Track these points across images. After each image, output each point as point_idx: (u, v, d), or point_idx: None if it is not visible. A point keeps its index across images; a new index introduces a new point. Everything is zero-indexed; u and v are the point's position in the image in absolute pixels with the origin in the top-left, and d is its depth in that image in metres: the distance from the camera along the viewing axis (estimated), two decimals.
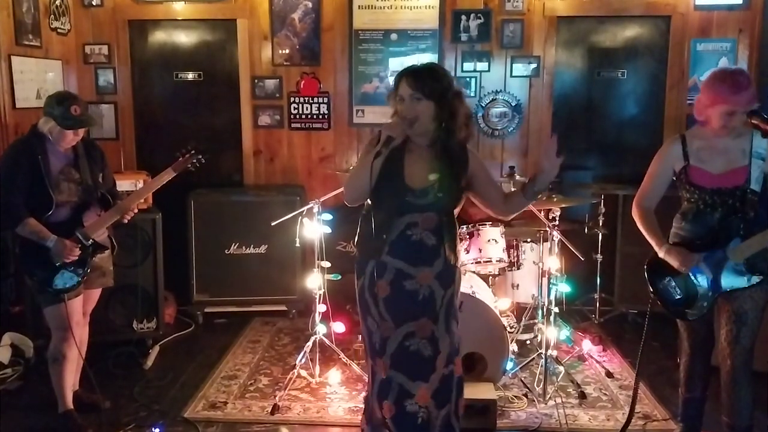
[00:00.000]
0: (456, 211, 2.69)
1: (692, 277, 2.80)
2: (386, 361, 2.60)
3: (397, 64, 5.18)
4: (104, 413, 3.45)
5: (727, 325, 2.79)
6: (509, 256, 4.13)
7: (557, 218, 3.85)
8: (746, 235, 2.69)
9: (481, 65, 5.20)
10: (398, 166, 2.55)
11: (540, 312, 3.93)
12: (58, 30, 4.98)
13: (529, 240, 4.29)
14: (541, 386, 3.70)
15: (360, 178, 2.51)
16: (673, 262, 2.80)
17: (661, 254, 2.84)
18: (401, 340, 2.58)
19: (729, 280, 2.74)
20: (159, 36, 5.41)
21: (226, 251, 4.90)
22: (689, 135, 2.86)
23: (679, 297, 2.85)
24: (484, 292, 3.87)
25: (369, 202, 2.62)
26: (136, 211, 3.41)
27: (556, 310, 3.96)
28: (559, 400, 3.62)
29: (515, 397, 3.68)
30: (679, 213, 2.92)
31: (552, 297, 3.88)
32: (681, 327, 3.00)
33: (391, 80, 5.16)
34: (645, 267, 2.94)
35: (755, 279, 2.71)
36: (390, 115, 2.63)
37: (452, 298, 2.65)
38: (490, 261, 3.97)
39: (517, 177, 3.98)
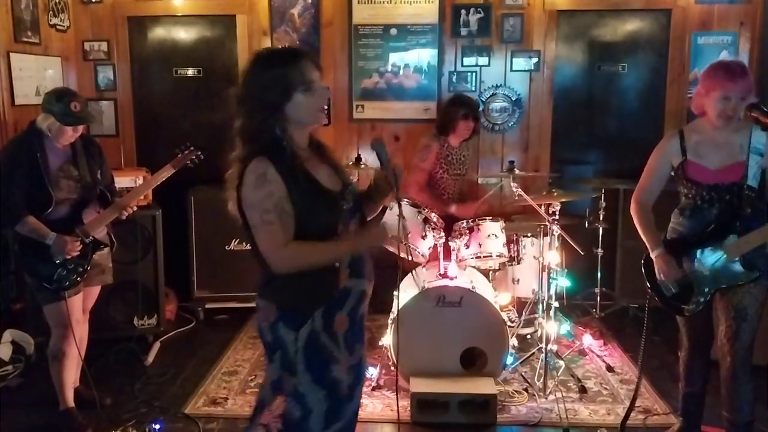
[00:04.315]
0: None
1: (689, 274, 2.79)
2: (350, 408, 2.21)
3: (397, 59, 5.18)
4: (105, 410, 3.46)
5: (726, 321, 2.78)
6: (509, 251, 4.12)
7: (557, 213, 3.84)
8: (743, 232, 2.68)
9: (482, 60, 5.19)
10: (309, 176, 2.07)
11: (540, 306, 3.93)
12: (57, 27, 4.97)
13: (529, 235, 4.28)
14: (541, 381, 3.70)
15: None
16: (657, 270, 2.84)
17: (652, 256, 2.87)
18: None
19: (726, 277, 2.74)
20: (158, 32, 5.39)
21: (226, 247, 4.90)
22: (687, 130, 2.86)
23: (675, 293, 2.85)
24: (484, 287, 3.87)
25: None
26: (135, 207, 3.42)
27: (557, 304, 3.97)
28: (559, 394, 3.62)
29: (516, 391, 3.68)
30: (677, 208, 2.92)
31: (552, 291, 3.90)
32: (680, 322, 3.00)
33: (392, 75, 5.19)
34: (642, 262, 2.96)
35: (753, 275, 2.70)
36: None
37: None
38: (490, 256, 3.97)
39: (517, 171, 3.97)
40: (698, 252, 2.78)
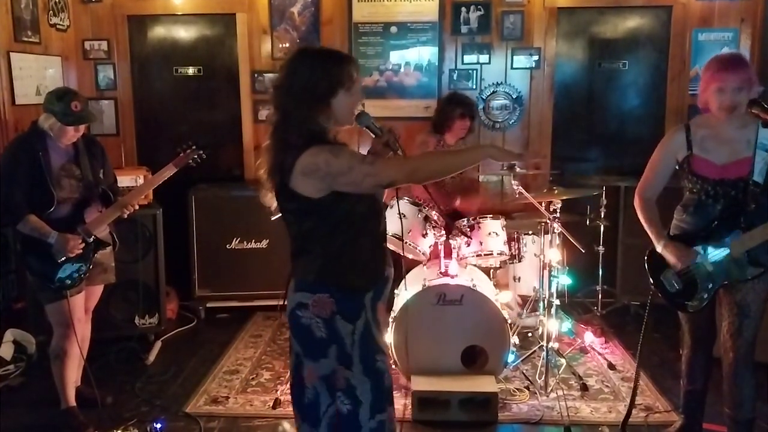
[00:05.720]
0: None
1: (692, 270, 2.79)
2: (390, 402, 2.24)
3: (398, 57, 5.18)
4: (106, 409, 3.46)
5: (729, 317, 2.78)
6: (510, 249, 4.11)
7: (558, 210, 3.84)
8: (747, 228, 2.67)
9: (482, 57, 5.18)
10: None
11: (541, 304, 3.93)
12: (57, 26, 4.97)
13: (530, 232, 4.28)
14: (542, 378, 3.69)
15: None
16: (670, 258, 2.81)
17: (659, 249, 2.85)
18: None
19: (729, 273, 2.73)
20: (158, 31, 5.39)
21: (227, 246, 4.90)
22: (694, 124, 2.84)
23: (679, 289, 2.84)
24: (485, 285, 3.86)
25: (336, 215, 2.10)
26: (136, 207, 3.41)
27: (558, 302, 3.96)
28: (560, 392, 3.62)
29: (517, 389, 3.68)
30: (681, 205, 2.90)
31: (553, 289, 3.89)
32: (682, 319, 2.99)
33: (392, 74, 5.19)
34: (645, 258, 2.95)
35: (756, 271, 2.69)
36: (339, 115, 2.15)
37: None
38: (491, 254, 3.96)
39: (518, 169, 3.97)
40: (702, 248, 2.77)
